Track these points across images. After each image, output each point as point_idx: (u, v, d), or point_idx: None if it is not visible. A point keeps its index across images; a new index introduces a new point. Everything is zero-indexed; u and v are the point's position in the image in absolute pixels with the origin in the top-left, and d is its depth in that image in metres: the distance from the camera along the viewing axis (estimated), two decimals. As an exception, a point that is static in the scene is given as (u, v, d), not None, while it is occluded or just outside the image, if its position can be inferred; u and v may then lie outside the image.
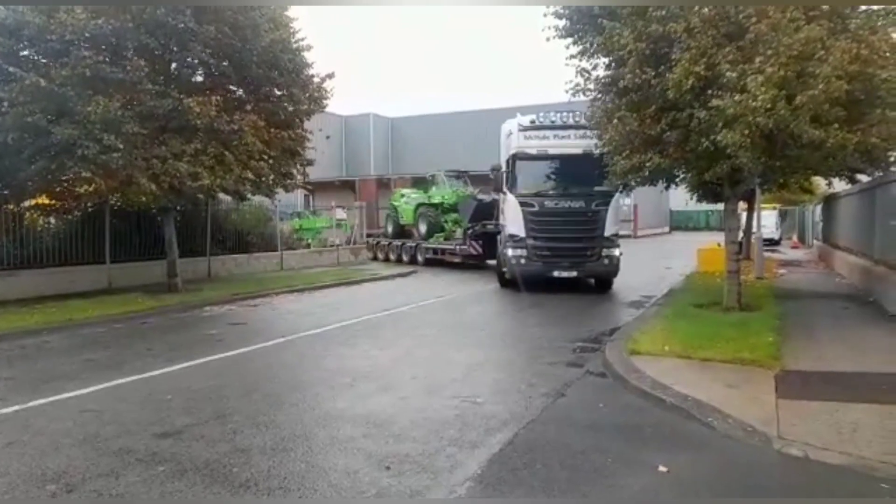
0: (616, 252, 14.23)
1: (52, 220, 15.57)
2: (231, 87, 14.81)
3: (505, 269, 15.20)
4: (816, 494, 4.10)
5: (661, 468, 4.45)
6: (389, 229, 26.45)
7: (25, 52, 12.59)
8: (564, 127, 14.37)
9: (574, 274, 14.28)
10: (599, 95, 10.63)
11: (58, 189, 14.01)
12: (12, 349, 9.05)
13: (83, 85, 11.74)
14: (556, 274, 14.22)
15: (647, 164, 9.59)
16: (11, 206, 14.17)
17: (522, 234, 14.36)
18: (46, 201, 14.93)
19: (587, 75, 10.28)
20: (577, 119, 14.02)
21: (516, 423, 5.47)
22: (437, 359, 8.17)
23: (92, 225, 15.41)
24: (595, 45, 10.23)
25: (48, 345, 9.36)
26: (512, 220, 14.71)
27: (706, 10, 8.60)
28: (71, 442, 5.13)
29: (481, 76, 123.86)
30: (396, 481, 4.26)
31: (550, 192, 14.56)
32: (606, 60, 10.14)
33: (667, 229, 58.95)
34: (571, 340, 9.09)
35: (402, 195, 26.13)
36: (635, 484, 4.24)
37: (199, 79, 14.46)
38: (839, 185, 17.15)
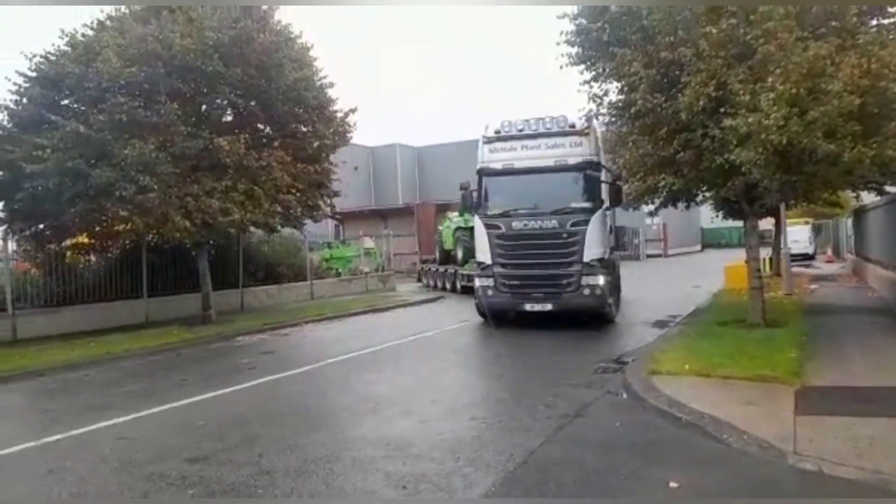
0: (600, 280, 12.03)
1: (92, 257, 16.25)
2: (259, 125, 15.45)
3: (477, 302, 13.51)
4: (825, 507, 4.13)
5: (672, 484, 4.52)
6: (437, 255, 25.51)
7: (66, 101, 13.36)
8: (534, 136, 12.55)
9: (549, 307, 12.23)
10: (613, 120, 10.80)
11: (97, 228, 14.66)
12: (55, 383, 9.49)
13: (119, 129, 12.40)
14: (527, 307, 12.37)
15: (662, 185, 9.71)
16: (53, 246, 14.87)
17: (489, 260, 12.76)
18: (86, 240, 15.61)
19: (599, 101, 10.48)
20: (548, 126, 12.37)
21: (532, 442, 5.59)
22: (457, 383, 8.33)
23: (129, 261, 16.03)
24: (607, 71, 10.46)
25: (88, 378, 9.78)
26: (479, 245, 13.12)
27: (713, 30, 8.76)
28: (108, 468, 5.42)
29: (504, 98, 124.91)
30: (412, 500, 4.42)
31: (520, 212, 12.57)
32: (618, 85, 10.33)
33: (698, 247, 58.25)
34: (594, 362, 9.14)
35: (447, 219, 24.91)
36: (644, 500, 4.33)
37: (229, 118, 15.13)
38: (869, 199, 16.94)
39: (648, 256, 45.44)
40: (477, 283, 13.10)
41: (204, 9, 13.75)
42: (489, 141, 12.93)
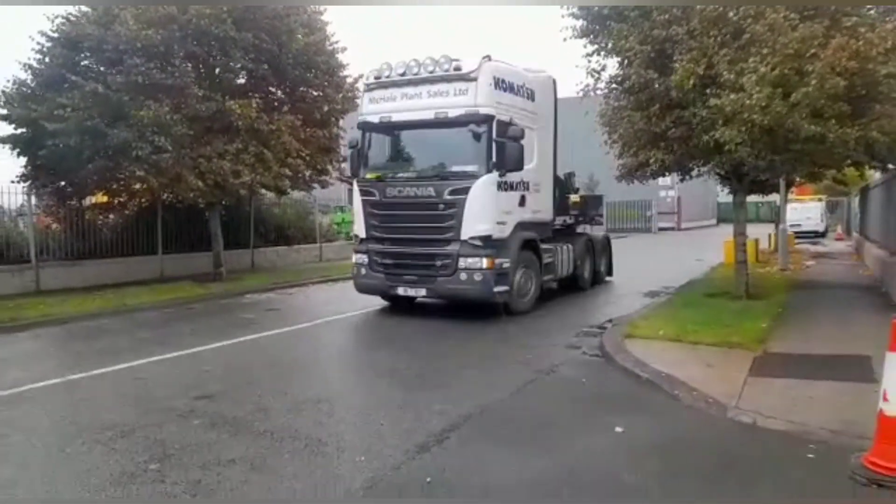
0: (482, 263, 9.71)
1: (111, 215, 16.95)
2: (270, 88, 15.88)
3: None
4: (743, 453, 4.66)
5: (618, 428, 5.10)
6: None
7: (85, 62, 13.86)
8: (416, 82, 10.19)
9: (422, 292, 10.35)
10: (609, 94, 11.12)
11: (115, 187, 15.29)
12: (77, 329, 10.23)
13: (136, 90, 12.93)
14: (400, 291, 10.47)
15: (652, 161, 10.09)
16: (74, 203, 15.56)
17: (363, 233, 10.90)
18: (105, 199, 16.29)
19: (597, 75, 10.79)
20: (430, 70, 10.01)
21: (500, 393, 6.17)
22: (435, 334, 9.02)
23: (145, 219, 16.71)
24: (609, 46, 10.73)
25: (106, 326, 10.51)
26: (356, 215, 11.14)
27: (708, 9, 9.02)
28: (125, 401, 6.11)
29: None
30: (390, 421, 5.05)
31: (397, 177, 10.53)
32: (616, 61, 10.63)
33: (714, 221, 58.08)
34: (577, 326, 9.69)
35: None
36: (590, 440, 4.91)
37: (241, 82, 15.55)
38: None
39: (661, 229, 45.51)
40: (353, 259, 11.16)
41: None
42: (369, 89, 10.82)
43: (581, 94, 10.99)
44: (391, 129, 10.75)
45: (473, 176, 9.82)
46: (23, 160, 14.20)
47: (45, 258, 14.52)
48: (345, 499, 3.97)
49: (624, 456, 4.63)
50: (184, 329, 10.09)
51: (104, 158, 13.09)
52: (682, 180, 13.24)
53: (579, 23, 11.39)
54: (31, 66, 13.74)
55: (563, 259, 12.43)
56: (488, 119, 9.80)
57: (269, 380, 6.83)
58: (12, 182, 14.32)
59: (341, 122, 17.18)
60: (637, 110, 10.25)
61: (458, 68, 9.88)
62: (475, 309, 10.39)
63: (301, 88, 15.84)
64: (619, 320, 9.72)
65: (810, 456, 4.57)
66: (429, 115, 9.98)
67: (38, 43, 13.74)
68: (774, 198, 23.25)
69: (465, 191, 9.72)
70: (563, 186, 13.41)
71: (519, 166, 9.98)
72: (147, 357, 7.93)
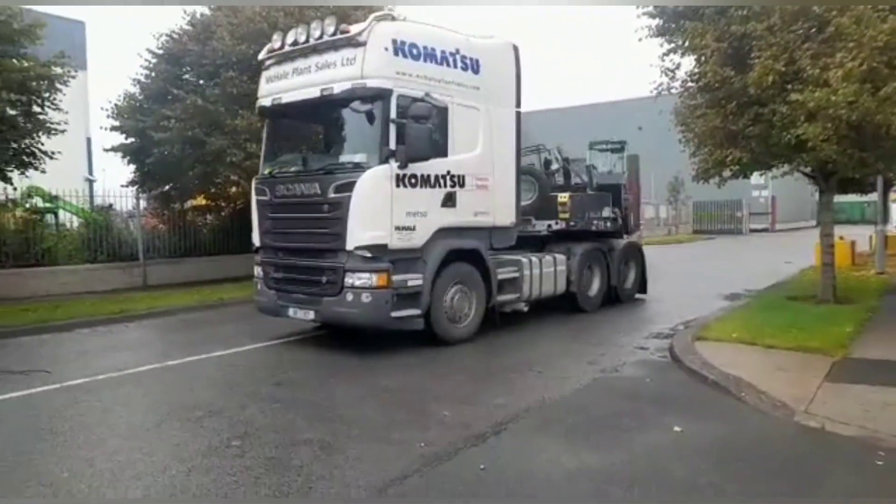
0: (373, 280, 7.59)
1: (209, 216, 18.24)
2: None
3: None
4: (806, 457, 4.59)
5: (676, 428, 5.13)
6: None
7: (186, 76, 15.04)
8: (304, 52, 8.21)
9: (311, 315, 8.27)
10: (684, 92, 10.91)
11: (213, 191, 16.46)
12: (176, 321, 11.18)
13: (231, 101, 13.90)
14: (290, 313, 8.44)
15: (729, 159, 9.83)
16: (177, 205, 16.89)
17: (257, 241, 9.14)
18: (204, 202, 17.57)
19: (672, 74, 10.63)
20: (317, 35, 8.00)
21: (565, 389, 6.31)
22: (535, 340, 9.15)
23: (240, 221, 17.80)
24: (685, 44, 10.56)
25: (203, 318, 11.41)
26: (253, 219, 9.25)
27: (787, 8, 8.74)
28: (215, 384, 6.73)
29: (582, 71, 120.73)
30: (452, 411, 5.32)
31: (286, 171, 8.72)
32: (692, 59, 10.43)
33: (813, 223, 54.72)
34: (648, 328, 9.61)
35: None
36: (646, 438, 4.98)
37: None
38: None
39: (752, 231, 43.44)
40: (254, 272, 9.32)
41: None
42: (265, 66, 8.96)
43: (655, 93, 10.84)
44: (283, 113, 8.84)
45: (360, 168, 7.67)
46: (132, 167, 15.62)
47: (151, 256, 15.83)
48: (400, 479, 4.27)
49: (679, 455, 4.67)
50: (274, 322, 10.78)
51: (203, 165, 14.14)
52: (761, 175, 12.73)
53: (655, 21, 11.26)
54: (139, 82, 15.08)
55: (542, 274, 9.90)
56: (381, 94, 7.59)
57: (344, 371, 7.28)
58: (123, 187, 15.79)
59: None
60: (713, 108, 10.01)
61: (344, 31, 7.76)
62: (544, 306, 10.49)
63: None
64: (693, 323, 9.55)
65: (879, 463, 4.46)
66: (315, 93, 7.93)
67: (147, 60, 15.05)
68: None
69: (350, 187, 7.56)
70: (541, 182, 11.21)
71: (429, 154, 7.72)
72: (239, 347, 8.60)
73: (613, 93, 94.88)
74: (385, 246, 7.69)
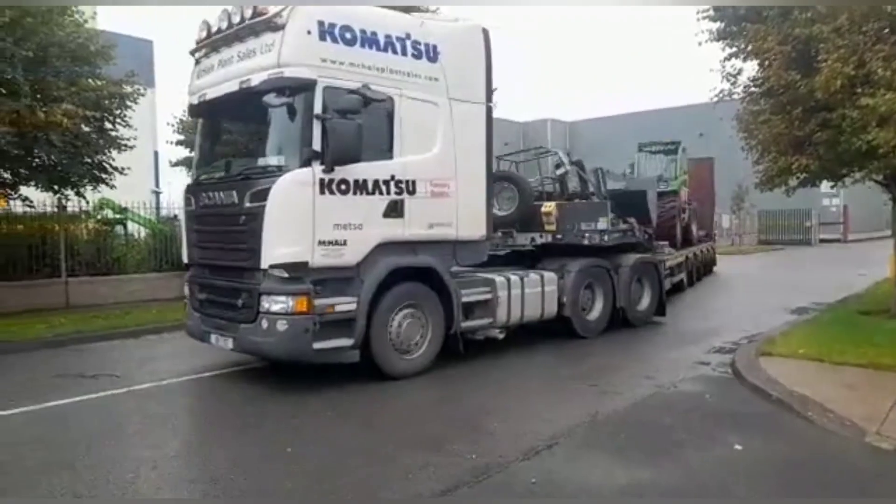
0: (290, 304, 6.46)
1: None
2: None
3: None
4: (875, 480, 4.33)
5: (737, 446, 4.94)
6: None
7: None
8: (228, 40, 7.20)
9: (230, 345, 7.07)
10: (746, 97, 10.57)
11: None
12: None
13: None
14: (213, 340, 7.30)
15: (794, 167, 9.44)
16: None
17: (185, 257, 8.07)
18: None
19: (733, 80, 10.32)
20: (237, 20, 6.96)
21: (618, 403, 6.16)
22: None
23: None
24: (748, 48, 10.25)
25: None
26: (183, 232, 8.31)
27: (856, 8, 8.37)
28: (265, 392, 6.87)
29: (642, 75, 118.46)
30: (504, 425, 5.28)
31: (209, 177, 7.76)
32: (755, 63, 10.11)
33: (888, 232, 51.87)
34: (708, 342, 9.29)
35: None
36: (704, 455, 4.80)
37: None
38: None
39: (823, 241, 41.50)
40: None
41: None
42: (197, 60, 7.85)
43: (716, 99, 10.55)
44: (209, 111, 7.75)
45: (278, 172, 6.56)
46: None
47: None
48: (451, 490, 4.25)
49: (739, 473, 4.50)
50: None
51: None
52: (832, 186, 12.18)
53: (716, 25, 10.99)
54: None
55: (524, 295, 8.57)
56: (303, 85, 6.47)
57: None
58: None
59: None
60: (777, 114, 9.65)
61: (261, 13, 6.68)
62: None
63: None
64: (757, 337, 9.18)
65: None
66: (234, 86, 6.90)
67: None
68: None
69: (265, 194, 6.45)
70: (521, 188, 10.01)
71: (359, 155, 6.55)
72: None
73: (674, 98, 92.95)
74: (305, 264, 6.46)
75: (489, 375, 7.51)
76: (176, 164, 16.25)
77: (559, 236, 9.83)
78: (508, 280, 8.45)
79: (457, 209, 7.68)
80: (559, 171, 11.49)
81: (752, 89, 10.42)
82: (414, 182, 7.24)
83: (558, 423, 5.55)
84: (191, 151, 15.70)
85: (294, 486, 4.36)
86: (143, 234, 16.18)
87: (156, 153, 28.41)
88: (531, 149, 12.92)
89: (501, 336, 8.53)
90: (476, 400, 6.51)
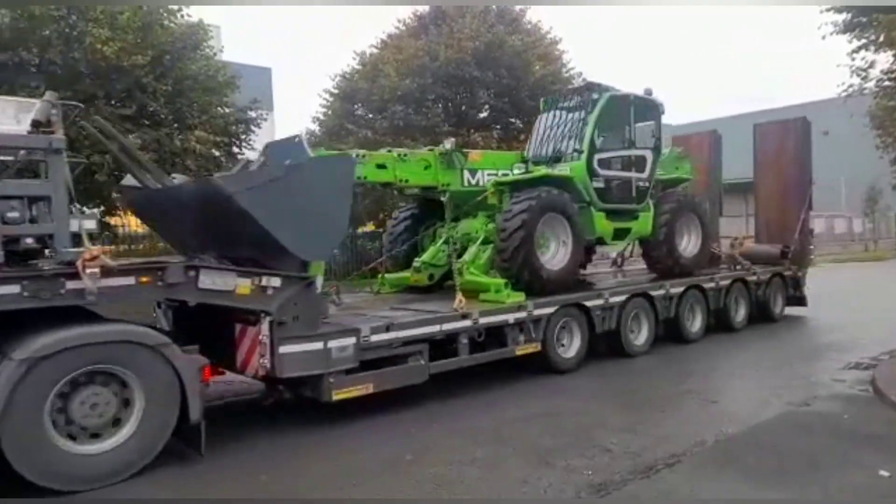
0: None
1: (378, 242, 19.44)
2: (510, 119, 16.91)
3: None
4: None
5: (883, 472, 4.53)
6: None
7: (358, 112, 16.32)
8: None
9: None
10: (880, 92, 9.75)
11: (380, 217, 17.55)
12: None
13: (397, 133, 14.84)
14: None
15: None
16: (350, 230, 18.24)
17: None
18: (373, 227, 18.81)
19: (864, 74, 9.57)
20: None
21: (744, 422, 5.84)
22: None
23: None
24: (880, 40, 9.49)
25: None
26: None
27: None
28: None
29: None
30: (620, 441, 5.16)
31: None
32: (889, 55, 9.33)
33: None
34: (845, 358, 8.58)
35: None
36: (844, 480, 4.45)
37: (483, 115, 16.84)
38: None
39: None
40: None
41: (464, 19, 15.55)
42: None
43: (844, 94, 9.81)
44: None
45: None
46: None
47: (328, 277, 17.15)
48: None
49: (886, 501, 4.13)
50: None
51: (373, 194, 15.16)
52: None
53: (842, 17, 10.28)
54: (318, 119, 16.64)
55: None
56: None
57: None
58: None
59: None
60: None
61: None
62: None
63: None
64: (899, 352, 8.39)
65: None
66: None
67: (324, 99, 16.59)
68: None
69: None
70: None
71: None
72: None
73: (797, 96, 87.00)
74: None
75: (596, 388, 7.37)
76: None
77: None
78: None
79: None
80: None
81: (886, 83, 9.61)
82: None
83: (678, 441, 5.33)
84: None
85: (413, 492, 4.50)
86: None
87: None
88: None
89: None
90: (587, 414, 6.40)
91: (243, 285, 5.39)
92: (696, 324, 9.74)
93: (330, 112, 16.51)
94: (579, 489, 4.45)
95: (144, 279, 5.03)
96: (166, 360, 4.95)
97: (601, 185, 8.78)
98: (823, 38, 10.59)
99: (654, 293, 9.06)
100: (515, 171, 8.86)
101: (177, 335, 5.37)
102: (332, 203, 5.78)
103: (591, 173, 8.65)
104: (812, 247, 12.47)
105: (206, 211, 5.64)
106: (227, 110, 12.93)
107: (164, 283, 5.07)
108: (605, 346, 8.64)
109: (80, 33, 10.18)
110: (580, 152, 8.62)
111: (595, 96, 8.89)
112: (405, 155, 8.16)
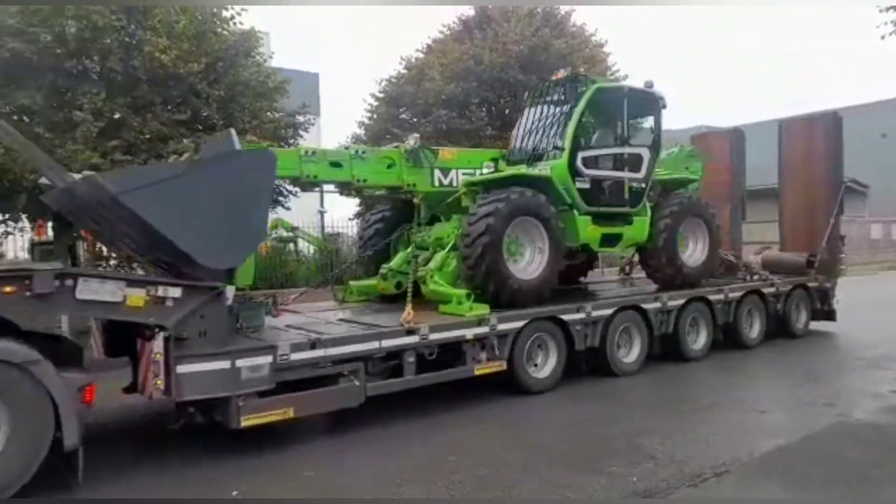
0: None
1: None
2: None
3: None
4: None
5: (940, 488, 4.39)
6: None
7: (403, 116, 16.51)
8: None
9: None
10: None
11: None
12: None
13: (441, 137, 14.93)
14: None
15: None
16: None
17: None
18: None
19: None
20: None
21: (794, 433, 5.71)
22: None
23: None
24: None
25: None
26: None
27: None
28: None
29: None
30: (664, 450, 5.13)
31: None
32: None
33: None
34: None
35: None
36: (894, 494, 4.34)
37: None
38: None
39: None
40: None
41: (508, 23, 15.59)
42: None
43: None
44: None
45: None
46: (357, 200, 17.45)
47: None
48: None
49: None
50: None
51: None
52: None
53: (905, 15, 9.94)
54: (364, 123, 16.90)
55: None
56: None
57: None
58: (349, 220, 17.75)
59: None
60: None
61: None
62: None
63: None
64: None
65: None
66: None
67: (369, 104, 16.84)
68: None
69: None
70: None
71: None
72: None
73: (851, 97, 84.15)
74: None
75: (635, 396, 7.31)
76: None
77: None
78: None
79: None
80: None
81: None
82: None
83: (725, 450, 5.27)
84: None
85: (457, 494, 4.57)
86: (311, 251, 17.62)
87: (321, 176, 30.67)
88: None
89: None
90: (630, 421, 6.35)
91: (135, 296, 4.74)
92: (699, 340, 8.83)
93: (375, 116, 16.75)
94: (623, 495, 4.44)
95: (8, 289, 4.33)
96: (36, 379, 4.34)
97: (586, 185, 7.88)
98: (882, 38, 10.27)
99: (646, 306, 8.16)
100: (484, 171, 8.05)
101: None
102: (246, 203, 5.14)
103: (575, 173, 7.78)
104: (842, 255, 11.32)
105: (103, 213, 5.10)
106: (276, 115, 13.26)
107: (33, 294, 4.37)
108: (587, 364, 7.80)
109: (139, 42, 10.63)
110: (561, 150, 7.81)
111: (581, 88, 8.07)
112: (363, 152, 7.55)
